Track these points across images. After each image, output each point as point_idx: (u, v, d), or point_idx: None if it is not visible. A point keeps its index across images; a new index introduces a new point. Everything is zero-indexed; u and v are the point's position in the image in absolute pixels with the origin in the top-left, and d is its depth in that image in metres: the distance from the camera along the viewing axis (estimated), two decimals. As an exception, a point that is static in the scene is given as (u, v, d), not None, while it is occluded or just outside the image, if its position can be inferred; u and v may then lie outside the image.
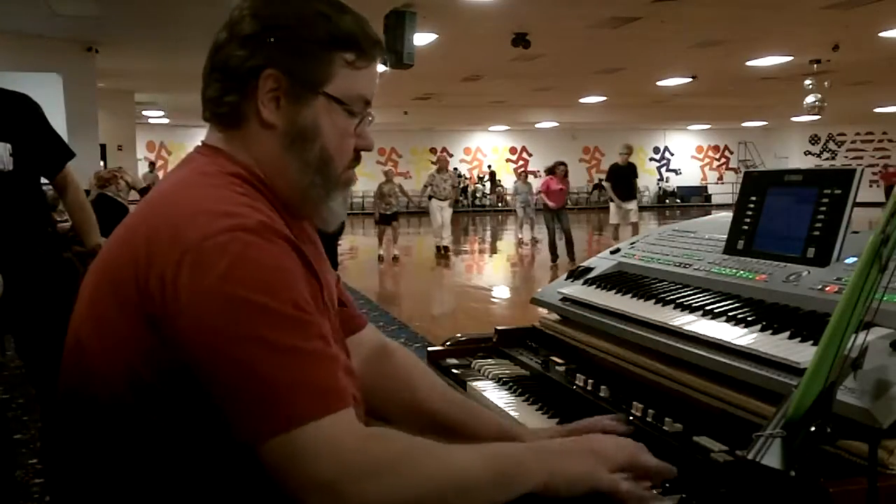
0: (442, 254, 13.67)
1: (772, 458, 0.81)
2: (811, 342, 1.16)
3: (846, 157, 31.22)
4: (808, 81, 15.73)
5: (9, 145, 3.00)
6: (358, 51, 1.11)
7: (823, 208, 1.40)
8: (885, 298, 1.01)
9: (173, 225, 0.97)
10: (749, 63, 15.63)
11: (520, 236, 16.49)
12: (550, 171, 13.13)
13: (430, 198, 14.05)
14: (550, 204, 12.46)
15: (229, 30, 1.10)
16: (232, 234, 0.95)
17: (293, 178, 1.11)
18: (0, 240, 2.96)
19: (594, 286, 1.76)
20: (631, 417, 1.30)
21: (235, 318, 0.92)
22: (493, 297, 9.63)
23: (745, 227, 1.57)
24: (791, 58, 14.92)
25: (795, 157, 31.66)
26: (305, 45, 1.08)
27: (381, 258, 13.01)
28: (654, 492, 1.07)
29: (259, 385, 0.92)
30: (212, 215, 0.97)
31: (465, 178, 31.65)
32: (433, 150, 31.76)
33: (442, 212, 13.68)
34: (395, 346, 1.42)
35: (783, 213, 1.50)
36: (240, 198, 1.02)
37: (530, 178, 18.15)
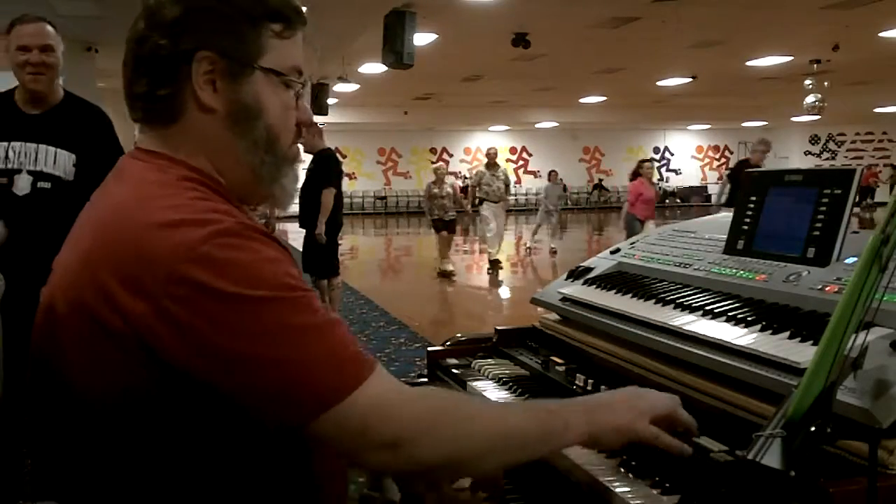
0: (496, 269, 11.55)
1: (772, 458, 0.81)
2: (811, 342, 1.16)
3: (846, 157, 31.24)
4: (808, 81, 15.74)
5: (74, 156, 3.02)
6: (283, 20, 1.09)
7: (823, 208, 1.40)
8: (885, 298, 1.01)
9: (141, 246, 0.93)
10: (749, 63, 15.64)
11: (530, 245, 14.50)
12: (636, 173, 10.23)
13: (479, 201, 11.47)
14: (639, 216, 9.79)
15: (148, 19, 1.05)
16: (213, 242, 0.93)
17: (243, 160, 1.08)
18: (50, 249, 2.96)
19: (594, 286, 1.76)
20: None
21: (245, 319, 0.92)
22: (493, 297, 9.63)
23: (745, 227, 1.57)
24: (791, 58, 14.93)
25: (795, 157, 31.66)
26: (233, 21, 1.05)
27: (447, 274, 10.90)
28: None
29: (295, 369, 0.92)
30: (182, 226, 0.94)
31: (467, 178, 31.68)
32: (433, 150, 31.79)
33: (497, 218, 11.44)
34: None
35: (783, 213, 1.50)
36: (200, 202, 0.99)
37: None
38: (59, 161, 3.01)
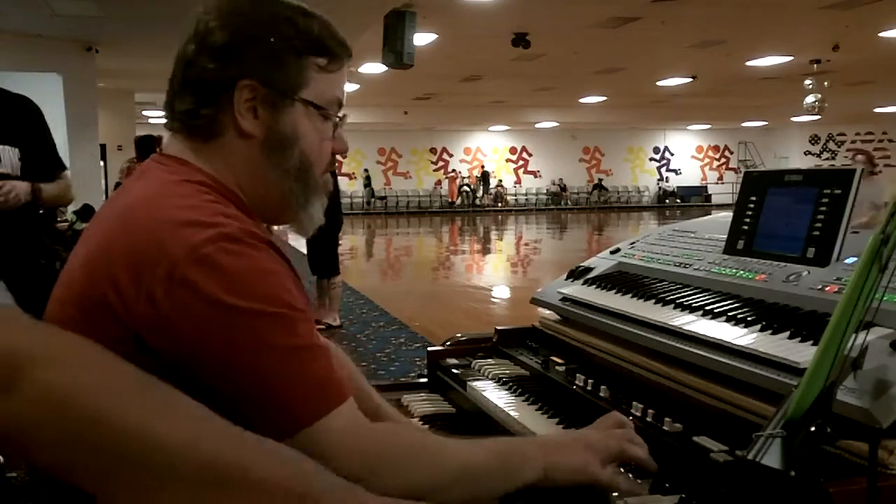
0: None
1: (772, 458, 0.81)
2: (811, 342, 1.16)
3: (846, 157, 31.22)
4: (808, 81, 15.77)
5: (17, 150, 2.93)
6: (329, 55, 1.11)
7: (823, 208, 1.40)
8: (885, 298, 1.01)
9: (153, 240, 0.95)
10: (749, 63, 15.65)
11: None
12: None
13: None
14: None
15: (198, 42, 1.08)
16: (216, 245, 0.94)
17: (273, 186, 1.11)
18: (6, 247, 2.90)
19: (594, 286, 1.76)
20: (631, 417, 1.30)
21: (234, 329, 0.92)
22: (493, 297, 9.64)
23: (745, 227, 1.57)
24: (791, 58, 14.94)
25: (795, 157, 31.67)
26: (279, 53, 1.08)
27: None
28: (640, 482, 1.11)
29: (268, 389, 0.93)
30: (192, 226, 0.96)
31: (466, 178, 31.74)
32: (433, 150, 31.82)
33: None
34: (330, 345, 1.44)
35: (783, 213, 1.50)
36: (213, 206, 1.01)
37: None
38: (4, 158, 2.90)
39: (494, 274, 12.65)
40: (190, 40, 1.09)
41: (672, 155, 33.94)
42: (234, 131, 1.08)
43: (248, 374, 0.93)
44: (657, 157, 33.86)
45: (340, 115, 1.15)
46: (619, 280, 1.74)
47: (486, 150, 32.29)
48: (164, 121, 1.14)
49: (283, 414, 0.93)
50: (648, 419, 1.27)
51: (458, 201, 31.31)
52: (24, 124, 3.00)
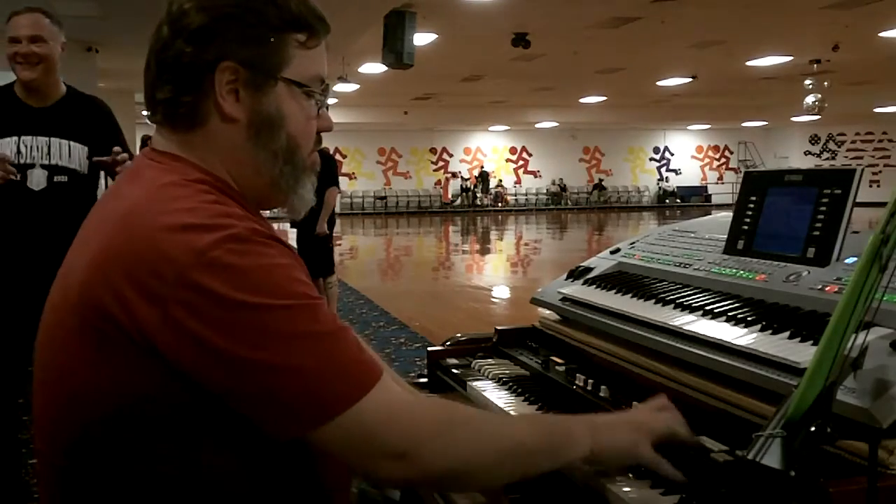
0: None
1: (772, 458, 0.81)
2: (811, 342, 1.16)
3: (846, 157, 31.26)
4: (808, 81, 15.78)
5: (86, 148, 3.02)
6: (308, 30, 1.08)
7: (823, 208, 1.40)
8: (885, 298, 1.01)
9: (156, 248, 0.93)
10: (749, 63, 15.65)
11: None
12: None
13: None
14: None
15: (172, 25, 1.04)
16: (223, 247, 0.92)
17: (262, 170, 1.08)
18: (67, 245, 2.93)
19: (594, 286, 1.76)
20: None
21: (255, 325, 0.91)
22: (493, 297, 9.64)
23: (745, 227, 1.57)
24: (791, 58, 14.95)
25: (795, 157, 31.69)
26: (258, 32, 1.04)
27: None
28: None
29: (303, 377, 0.92)
30: (195, 230, 0.93)
31: (466, 178, 31.74)
32: (433, 150, 31.81)
33: None
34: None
35: (783, 213, 1.50)
36: (215, 206, 0.98)
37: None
38: (73, 154, 3.00)
39: (494, 274, 12.65)
40: (163, 23, 1.06)
41: (672, 155, 33.94)
42: (218, 117, 1.05)
43: (279, 368, 0.91)
44: (657, 157, 33.85)
45: (324, 92, 1.12)
46: (619, 280, 1.74)
47: (486, 150, 32.27)
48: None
49: (319, 401, 0.92)
50: (648, 419, 1.27)
51: (459, 202, 31.31)
52: (94, 123, 3.09)
